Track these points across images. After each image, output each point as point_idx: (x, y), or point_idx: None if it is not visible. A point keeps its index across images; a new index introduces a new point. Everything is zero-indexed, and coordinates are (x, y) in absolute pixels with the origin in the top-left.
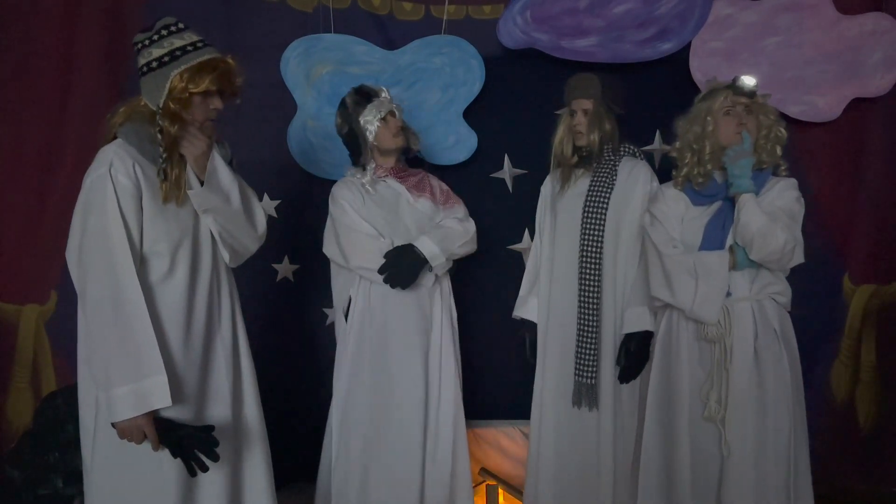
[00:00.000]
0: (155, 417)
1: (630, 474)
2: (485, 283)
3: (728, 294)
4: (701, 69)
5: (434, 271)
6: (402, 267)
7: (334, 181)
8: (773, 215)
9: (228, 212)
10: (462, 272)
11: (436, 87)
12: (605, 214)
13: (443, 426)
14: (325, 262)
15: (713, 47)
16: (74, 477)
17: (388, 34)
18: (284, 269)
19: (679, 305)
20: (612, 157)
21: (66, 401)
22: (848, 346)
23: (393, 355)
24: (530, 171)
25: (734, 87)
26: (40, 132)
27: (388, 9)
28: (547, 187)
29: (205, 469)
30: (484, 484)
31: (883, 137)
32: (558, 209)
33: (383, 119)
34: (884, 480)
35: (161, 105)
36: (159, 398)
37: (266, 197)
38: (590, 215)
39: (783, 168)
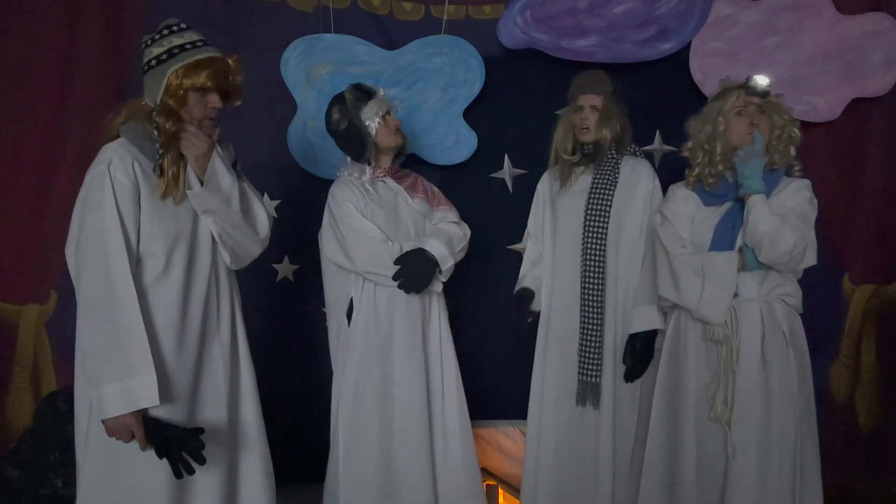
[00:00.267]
0: (143, 417)
1: (629, 473)
2: (485, 283)
3: (736, 295)
4: (701, 69)
5: (442, 275)
6: (416, 272)
7: (334, 181)
8: (784, 217)
9: (228, 213)
10: (462, 272)
11: (436, 87)
12: (609, 212)
13: (450, 422)
14: None
15: (713, 47)
16: (74, 477)
17: (388, 34)
18: (284, 269)
19: (685, 305)
20: (615, 156)
21: (66, 401)
22: (848, 346)
23: (397, 355)
24: (530, 171)
25: (746, 87)
26: (40, 132)
27: (388, 9)
28: (544, 184)
29: (191, 472)
30: (484, 484)
31: (883, 137)
32: (558, 207)
33: (382, 118)
34: (884, 480)
35: (158, 102)
36: (147, 397)
37: (266, 197)
38: (593, 213)
39: (797, 168)
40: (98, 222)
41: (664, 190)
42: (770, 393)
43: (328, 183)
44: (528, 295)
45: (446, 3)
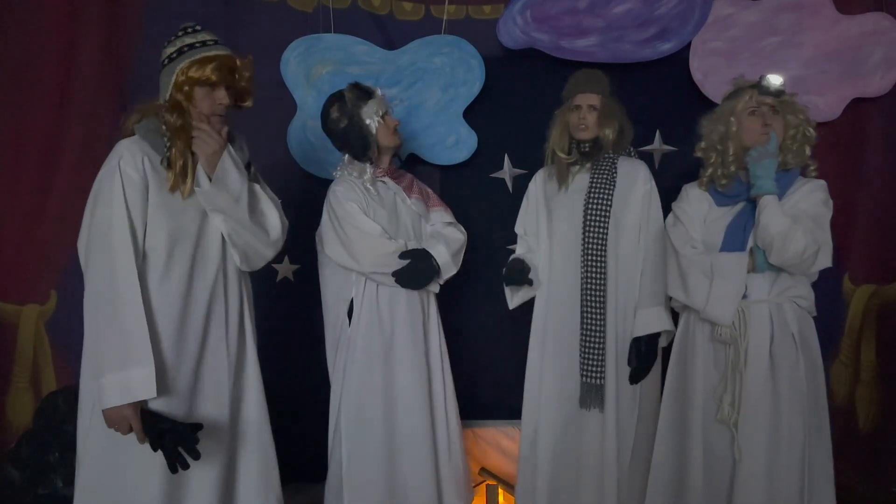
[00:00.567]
0: (142, 409)
1: (630, 472)
2: (485, 283)
3: (745, 296)
4: (701, 69)
5: (440, 279)
6: (417, 272)
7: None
8: (796, 218)
9: (237, 213)
10: (463, 272)
11: (436, 87)
12: (609, 213)
13: (451, 422)
14: None
15: (713, 47)
16: (74, 477)
17: (388, 34)
18: (284, 269)
19: (693, 305)
20: (612, 156)
21: (66, 401)
22: (848, 346)
23: (399, 355)
24: (530, 172)
25: (759, 87)
26: (40, 132)
27: (388, 9)
28: (538, 184)
29: (185, 466)
30: (484, 484)
31: (883, 137)
32: (554, 207)
33: (381, 117)
34: (884, 480)
35: (168, 98)
36: (144, 389)
37: None
38: (593, 214)
39: (812, 168)
40: (106, 215)
41: (677, 190)
42: (778, 395)
43: (328, 183)
44: (524, 267)
45: (446, 3)
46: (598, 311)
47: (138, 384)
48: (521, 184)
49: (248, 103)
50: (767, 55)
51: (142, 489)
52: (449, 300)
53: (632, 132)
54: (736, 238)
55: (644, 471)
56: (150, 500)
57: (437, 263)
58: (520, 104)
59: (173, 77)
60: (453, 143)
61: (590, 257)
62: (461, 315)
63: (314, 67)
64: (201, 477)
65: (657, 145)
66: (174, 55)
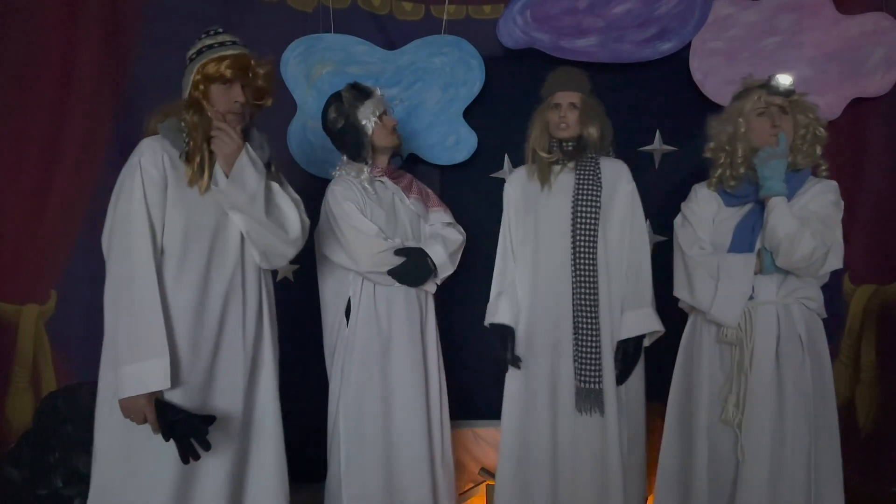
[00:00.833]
0: (156, 400)
1: (629, 473)
2: (485, 283)
3: (751, 297)
4: (701, 69)
5: (437, 279)
6: (412, 271)
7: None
8: (805, 220)
9: (253, 212)
10: (462, 272)
11: (436, 87)
12: (598, 214)
13: (444, 422)
14: None
15: (713, 47)
16: (74, 477)
17: (388, 34)
18: (284, 268)
19: (699, 306)
20: (594, 156)
21: (66, 401)
22: (848, 346)
23: (397, 354)
24: None
25: (768, 87)
26: (40, 132)
27: (388, 9)
28: (515, 187)
29: (196, 456)
30: (484, 484)
31: (883, 137)
32: (539, 207)
33: (379, 117)
34: (884, 480)
35: (187, 96)
36: (158, 380)
37: None
38: (582, 215)
39: (823, 168)
40: (127, 210)
41: (677, 190)
42: (783, 397)
43: (328, 183)
44: (508, 333)
45: (446, 3)
46: (590, 313)
47: (153, 375)
48: None
49: (268, 102)
50: (767, 55)
51: (155, 478)
52: (449, 300)
53: (611, 131)
54: (744, 239)
55: (638, 472)
56: (163, 491)
57: (434, 263)
58: (520, 104)
59: (192, 76)
60: (453, 143)
61: (580, 259)
62: (461, 315)
63: (314, 67)
64: (213, 469)
65: (657, 145)
66: (194, 55)
